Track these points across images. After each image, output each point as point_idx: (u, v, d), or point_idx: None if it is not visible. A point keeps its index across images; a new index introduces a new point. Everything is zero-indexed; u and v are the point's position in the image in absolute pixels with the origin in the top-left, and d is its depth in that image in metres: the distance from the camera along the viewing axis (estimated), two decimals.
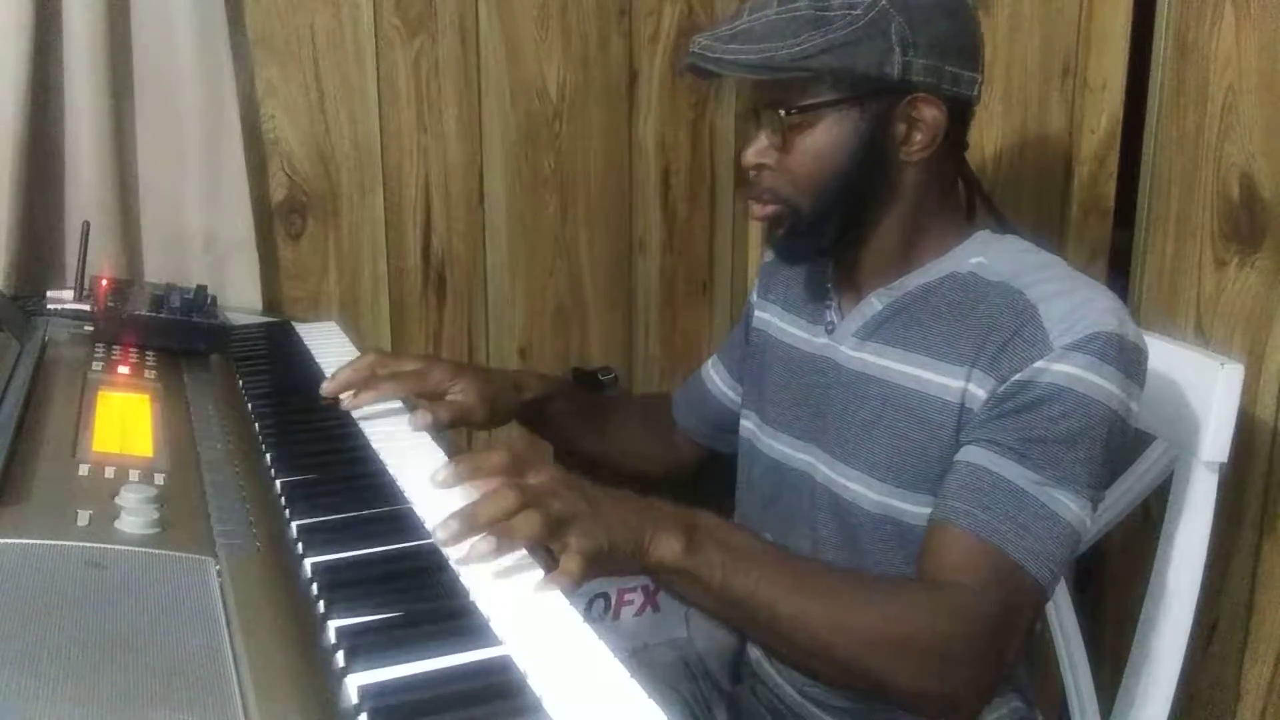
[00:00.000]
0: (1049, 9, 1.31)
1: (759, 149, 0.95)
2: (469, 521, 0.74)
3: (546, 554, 0.76)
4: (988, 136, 1.39)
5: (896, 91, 0.89)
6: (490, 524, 0.74)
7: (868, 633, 0.79)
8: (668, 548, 0.78)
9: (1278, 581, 1.12)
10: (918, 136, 0.91)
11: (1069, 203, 1.32)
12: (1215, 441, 1.00)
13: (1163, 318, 1.20)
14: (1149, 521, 1.09)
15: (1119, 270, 1.27)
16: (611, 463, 1.22)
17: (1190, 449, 1.02)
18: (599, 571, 0.76)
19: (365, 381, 1.06)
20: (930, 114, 0.90)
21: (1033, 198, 1.35)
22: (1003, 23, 1.36)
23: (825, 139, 0.91)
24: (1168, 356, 1.04)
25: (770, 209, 0.96)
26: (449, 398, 1.07)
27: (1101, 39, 1.26)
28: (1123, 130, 1.25)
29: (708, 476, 1.27)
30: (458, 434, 1.56)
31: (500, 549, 0.73)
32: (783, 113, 0.91)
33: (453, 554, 0.74)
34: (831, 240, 0.97)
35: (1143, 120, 1.23)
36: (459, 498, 0.79)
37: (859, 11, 0.87)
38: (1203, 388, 1.01)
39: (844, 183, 0.92)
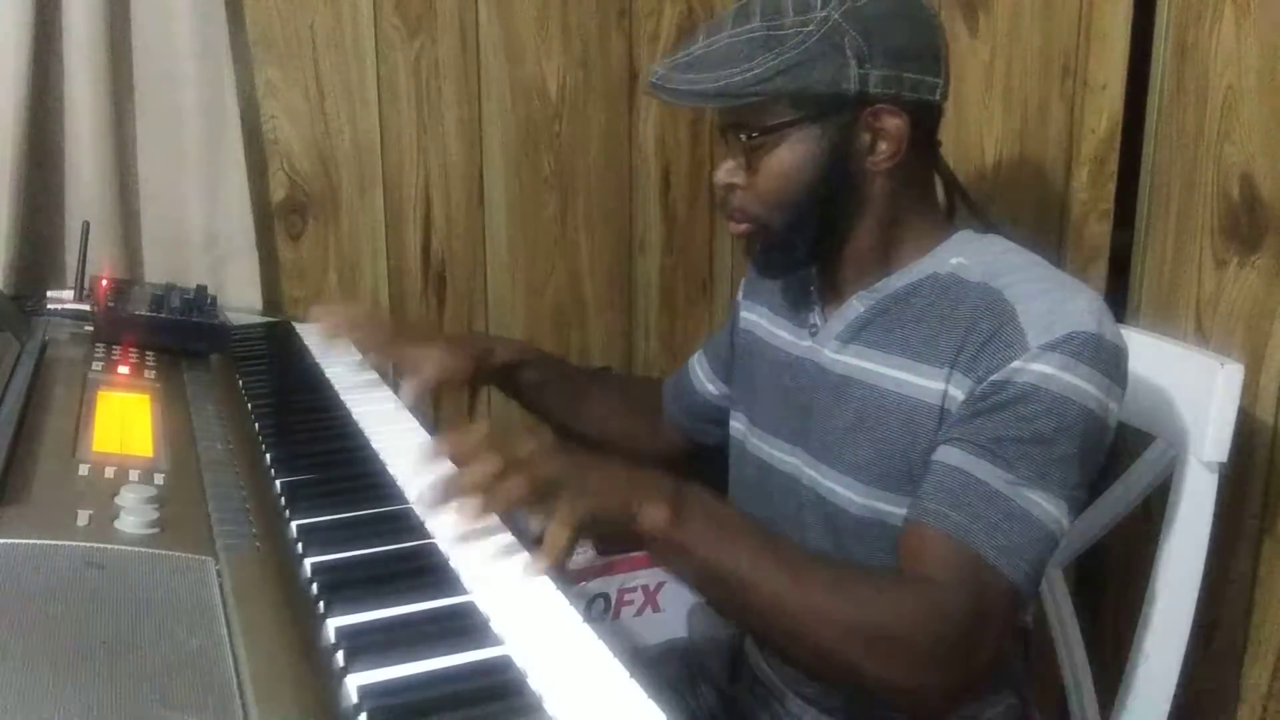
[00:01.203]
0: (1049, 9, 1.31)
1: (728, 169, 0.96)
2: (452, 487, 0.77)
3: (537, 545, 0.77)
4: (988, 136, 1.39)
5: (856, 104, 0.89)
6: (474, 489, 0.76)
7: (843, 621, 0.79)
8: (655, 517, 0.79)
9: (1278, 581, 1.12)
10: (882, 146, 0.91)
11: (1069, 203, 1.32)
12: (1215, 441, 1.00)
13: (1163, 318, 1.20)
14: (1149, 521, 1.09)
15: (1119, 270, 1.27)
16: (592, 440, 1.23)
17: (1190, 449, 1.02)
18: (586, 537, 0.79)
19: (351, 321, 1.18)
20: (893, 123, 0.90)
21: (1033, 198, 1.35)
22: (1003, 23, 1.35)
23: (790, 158, 0.92)
24: (1168, 356, 1.04)
25: (743, 228, 0.97)
26: (429, 355, 1.14)
27: (1101, 39, 1.26)
28: (1123, 130, 1.25)
29: (702, 469, 1.27)
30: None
31: (485, 512, 0.76)
32: (744, 136, 0.92)
33: (449, 548, 0.75)
34: (806, 254, 0.98)
35: (1143, 120, 1.23)
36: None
37: (812, 28, 0.87)
38: (1203, 388, 1.01)
39: (812, 199, 0.93)
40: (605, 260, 1.82)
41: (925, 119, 0.93)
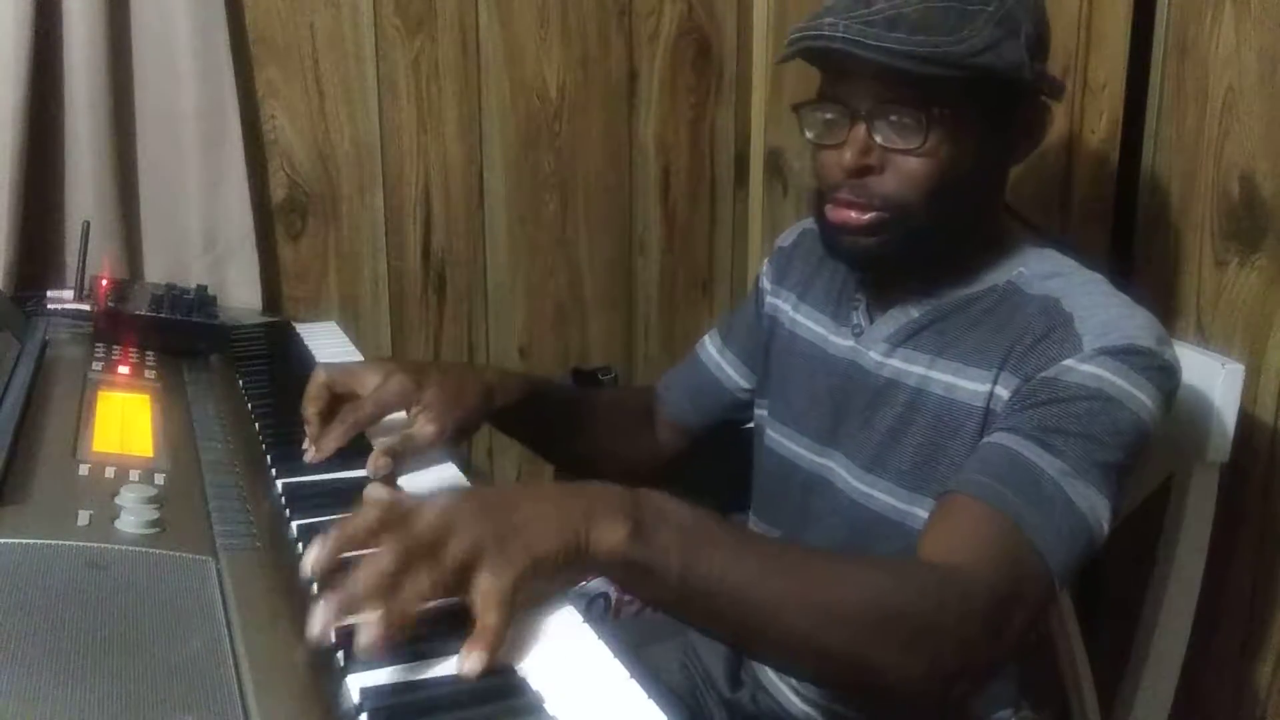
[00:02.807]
0: (1049, 9, 1.30)
1: (863, 149, 0.87)
2: (347, 604, 0.59)
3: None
4: None
5: (1023, 94, 0.88)
6: (373, 597, 0.59)
7: (846, 610, 0.69)
8: (610, 538, 0.65)
9: (1278, 581, 1.12)
10: (1024, 142, 0.90)
11: (1069, 203, 1.32)
12: (1215, 441, 1.00)
13: (1163, 318, 1.19)
14: (1149, 522, 1.09)
15: (1119, 270, 1.27)
16: (591, 463, 1.15)
17: (1190, 449, 1.02)
18: (534, 599, 0.66)
19: (329, 410, 0.95)
20: (1041, 118, 0.89)
21: (1033, 198, 1.35)
22: None
23: (961, 142, 0.86)
24: None
25: (870, 216, 0.88)
26: (411, 424, 0.95)
27: (1101, 39, 1.26)
28: (1123, 130, 1.25)
29: (690, 464, 1.24)
30: None
31: (392, 633, 0.58)
32: (936, 110, 0.84)
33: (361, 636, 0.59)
34: (935, 250, 0.91)
35: (1143, 120, 1.23)
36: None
37: (993, 9, 0.83)
38: (1203, 388, 1.01)
39: (968, 187, 0.88)
40: (605, 260, 1.82)
41: None
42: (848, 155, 0.87)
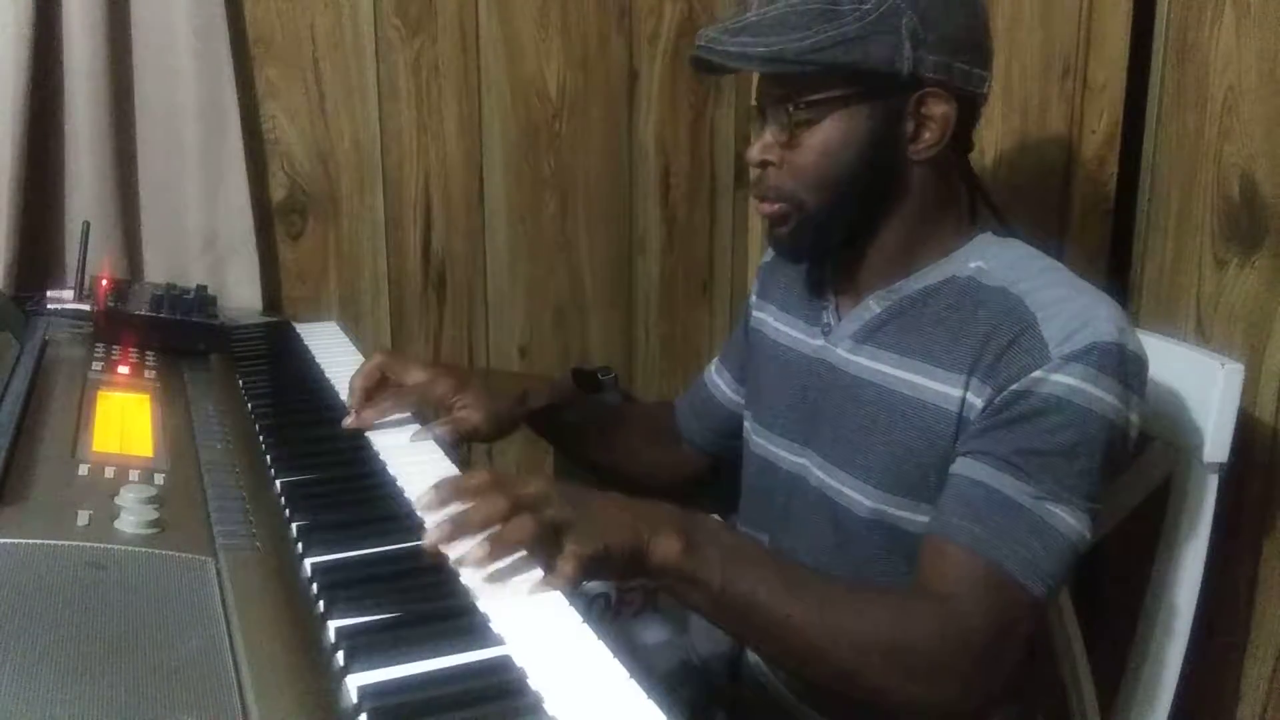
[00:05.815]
0: (1049, 9, 1.31)
1: (764, 145, 0.94)
2: (460, 526, 0.74)
3: (545, 559, 0.75)
4: (988, 136, 1.39)
5: (906, 87, 0.89)
6: (482, 528, 0.73)
7: (862, 640, 0.79)
8: (666, 550, 0.77)
9: (1278, 582, 1.12)
10: (926, 134, 0.91)
11: (1069, 203, 1.32)
12: (1215, 442, 1.00)
13: (1163, 318, 1.20)
14: (1149, 522, 1.09)
15: (1119, 270, 1.27)
16: (618, 472, 1.21)
17: (1190, 449, 1.02)
18: (596, 576, 0.76)
19: (375, 389, 1.05)
20: (940, 110, 0.90)
21: (1033, 198, 1.35)
22: (1003, 23, 1.35)
23: (834, 135, 0.90)
24: (1168, 356, 1.04)
25: (775, 207, 0.95)
26: (455, 413, 1.04)
27: (1101, 39, 1.26)
28: (1123, 130, 1.25)
29: (713, 484, 1.26)
30: None
31: (494, 555, 0.72)
32: (791, 108, 0.91)
33: (451, 554, 0.74)
34: (836, 239, 0.96)
35: (1143, 120, 1.23)
36: (455, 505, 0.78)
37: (869, 6, 0.86)
38: (1203, 388, 1.01)
39: (851, 180, 0.92)
40: (605, 260, 1.82)
41: (968, 112, 0.93)
42: (751, 151, 0.95)
